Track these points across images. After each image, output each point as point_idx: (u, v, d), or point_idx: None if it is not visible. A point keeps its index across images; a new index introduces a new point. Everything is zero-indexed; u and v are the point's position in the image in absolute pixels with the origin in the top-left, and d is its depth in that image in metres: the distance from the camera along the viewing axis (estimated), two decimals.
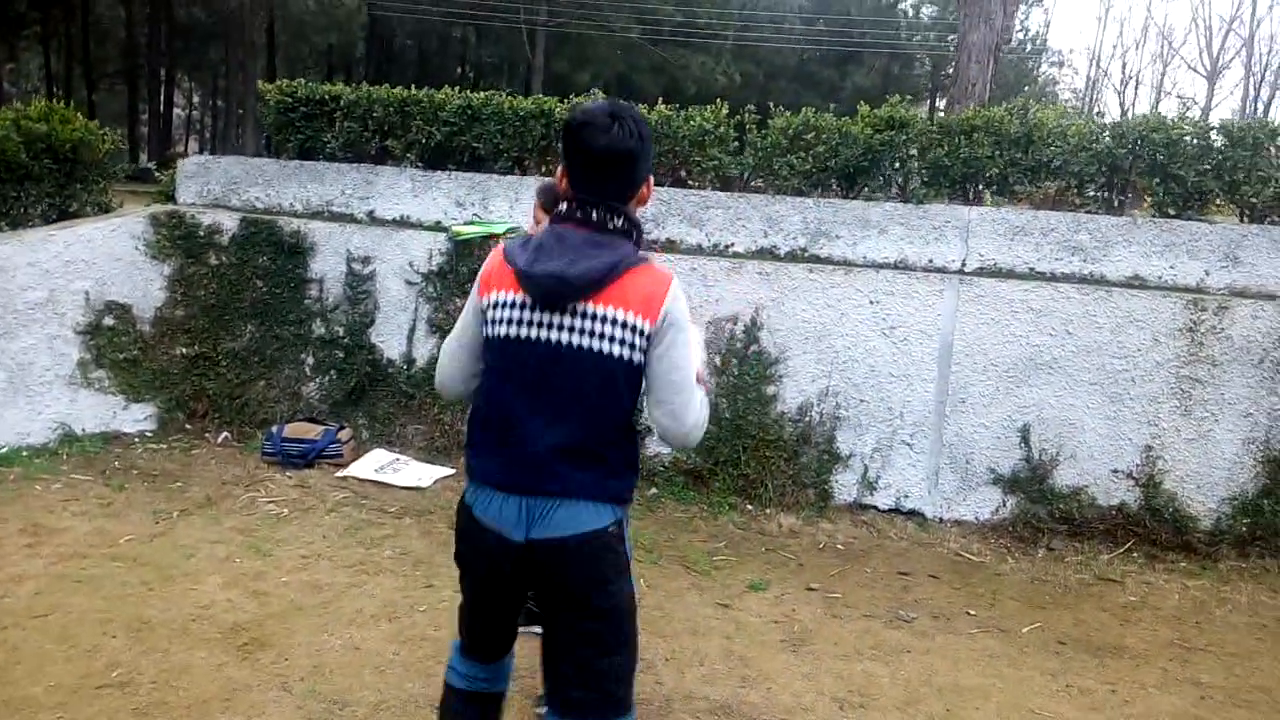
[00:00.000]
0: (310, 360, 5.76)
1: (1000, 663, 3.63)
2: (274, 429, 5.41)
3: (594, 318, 1.93)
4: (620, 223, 1.99)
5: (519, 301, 1.98)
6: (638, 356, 1.95)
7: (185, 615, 3.52)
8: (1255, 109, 32.16)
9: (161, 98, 39.03)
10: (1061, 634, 3.91)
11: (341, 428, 5.49)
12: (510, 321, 1.99)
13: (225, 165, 6.19)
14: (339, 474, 5.19)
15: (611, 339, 1.93)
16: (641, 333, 1.93)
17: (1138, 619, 4.11)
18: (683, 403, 1.97)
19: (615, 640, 2.02)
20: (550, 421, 1.96)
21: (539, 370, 1.96)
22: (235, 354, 5.77)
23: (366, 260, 5.67)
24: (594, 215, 1.98)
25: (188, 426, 5.70)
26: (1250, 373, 4.65)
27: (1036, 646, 3.79)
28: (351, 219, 5.91)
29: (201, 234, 5.78)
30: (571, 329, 1.94)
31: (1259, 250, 4.86)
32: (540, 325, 1.95)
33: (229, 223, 5.80)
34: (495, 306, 2.02)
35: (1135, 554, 4.68)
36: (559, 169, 2.07)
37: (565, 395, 1.95)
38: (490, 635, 2.20)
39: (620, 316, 1.93)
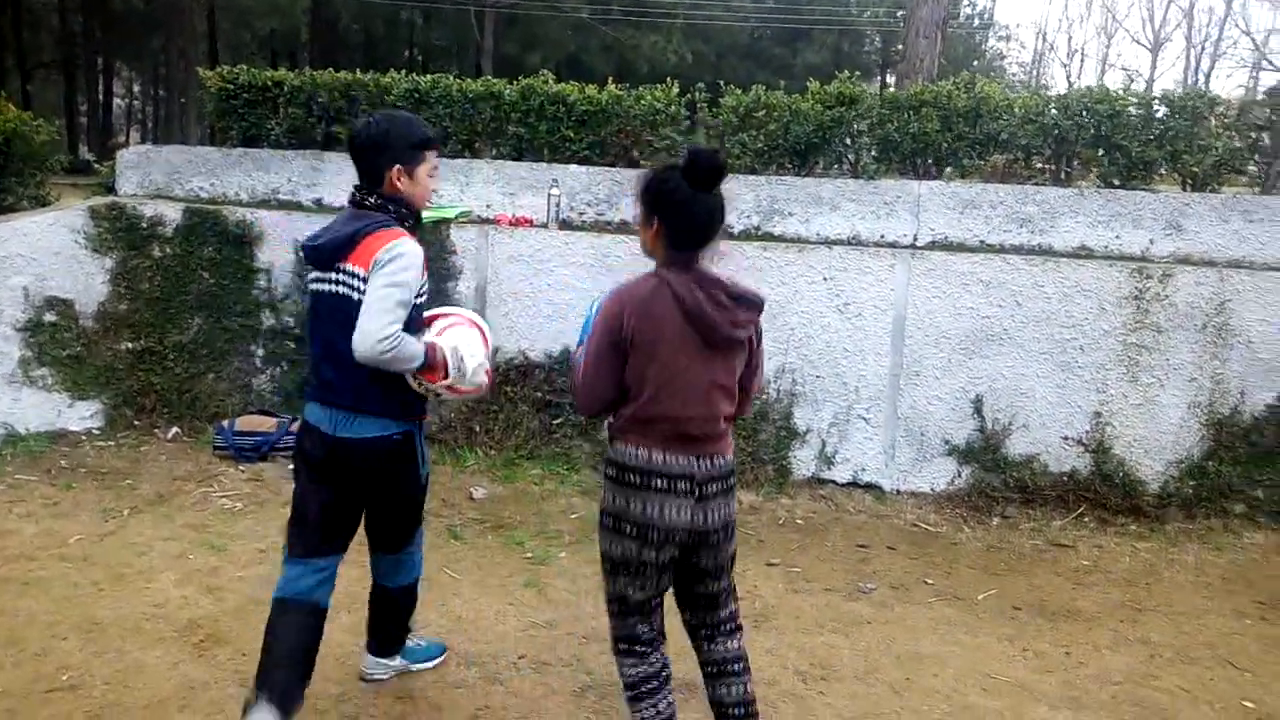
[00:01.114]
0: (260, 352, 5.66)
1: (958, 630, 3.69)
2: (225, 423, 5.32)
3: (343, 272, 2.57)
4: (374, 200, 2.63)
5: (311, 268, 2.68)
6: (357, 296, 2.53)
7: (138, 614, 3.46)
8: (1196, 80, 32.80)
9: (100, 88, 38.03)
10: (1017, 599, 3.98)
11: (295, 419, 5.41)
12: (309, 283, 2.69)
13: (167, 155, 6.05)
14: (294, 466, 5.11)
15: (350, 286, 2.56)
16: (362, 278, 2.53)
17: (1090, 582, 4.20)
18: (364, 323, 2.47)
19: (417, 503, 2.88)
20: (333, 354, 2.60)
21: (320, 316, 2.64)
22: (183, 347, 5.65)
23: None
24: (354, 196, 2.67)
25: (136, 423, 5.58)
26: (1194, 338, 4.75)
27: (993, 613, 3.86)
28: (299, 207, 5.81)
29: (144, 226, 5.64)
30: (332, 281, 2.60)
31: (1201, 218, 4.96)
32: (318, 282, 2.65)
33: (172, 214, 5.66)
34: (308, 274, 2.73)
35: (1086, 519, 4.78)
36: None
37: (335, 333, 2.57)
38: (316, 526, 2.77)
39: (355, 270, 2.55)
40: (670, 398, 2.34)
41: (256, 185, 5.90)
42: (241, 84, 6.24)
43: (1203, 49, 35.90)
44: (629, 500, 2.38)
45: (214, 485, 4.82)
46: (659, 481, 2.35)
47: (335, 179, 5.78)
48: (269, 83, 6.23)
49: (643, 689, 2.50)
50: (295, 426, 5.30)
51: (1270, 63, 33.76)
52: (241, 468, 5.06)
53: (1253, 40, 37.40)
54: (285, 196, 5.87)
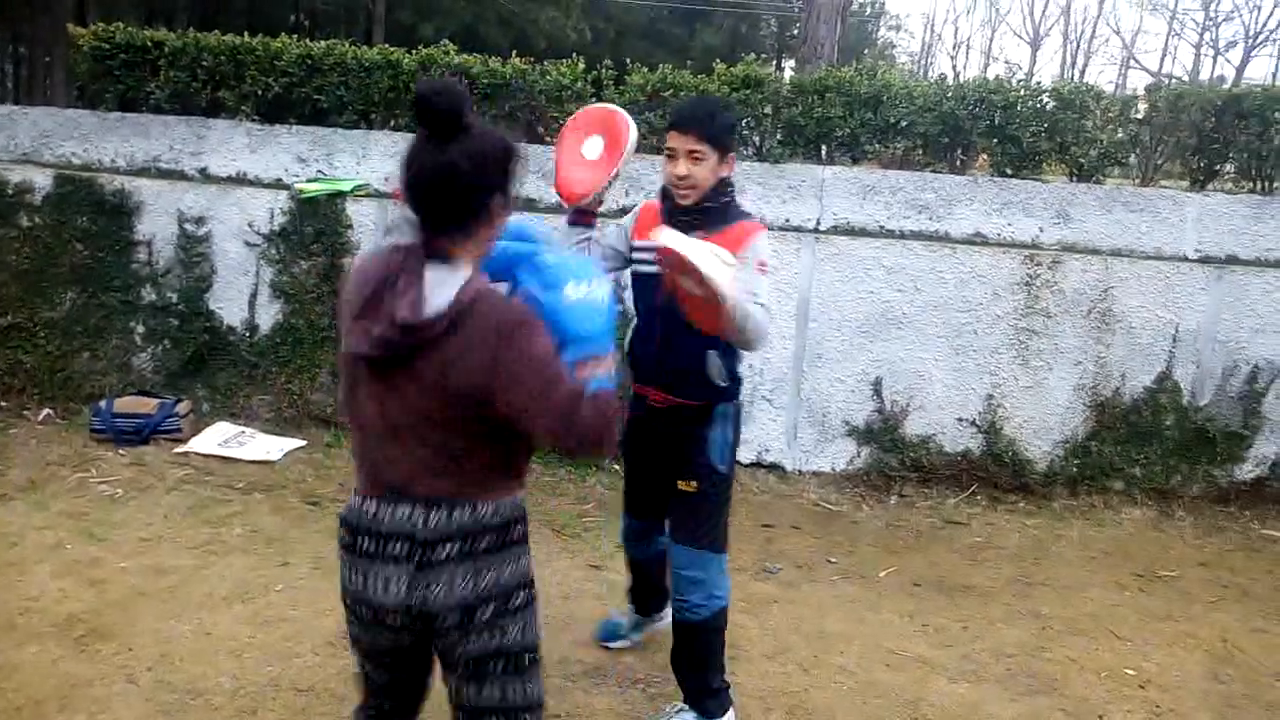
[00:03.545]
0: (141, 329, 5.35)
1: (861, 607, 3.77)
2: (102, 404, 5.02)
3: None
4: None
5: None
6: None
7: (11, 609, 3.23)
8: (1072, 76, 34.31)
9: None
10: (916, 576, 4.10)
11: (179, 400, 5.14)
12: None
13: (34, 117, 5.63)
14: (179, 450, 4.87)
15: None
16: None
17: (983, 558, 4.35)
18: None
19: None
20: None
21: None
22: (54, 324, 5.30)
23: (201, 220, 5.29)
24: None
25: (3, 404, 5.22)
26: (1080, 323, 4.96)
27: (893, 589, 3.96)
28: (182, 176, 5.50)
29: (10, 193, 5.26)
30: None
31: (1086, 208, 5.16)
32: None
33: (41, 180, 5.29)
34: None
35: (979, 497, 4.95)
36: (731, 158, 2.69)
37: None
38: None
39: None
40: (360, 427, 1.75)
41: (135, 152, 5.55)
42: (118, 43, 5.83)
43: (1078, 46, 37.58)
44: (340, 564, 1.80)
45: (92, 470, 4.55)
46: (366, 542, 1.74)
47: (222, 147, 5.49)
48: (149, 43, 5.85)
49: None
50: (180, 407, 5.06)
51: (1137, 61, 35.61)
52: (121, 451, 4.78)
53: (1122, 39, 39.38)
54: (167, 165, 5.54)
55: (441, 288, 1.65)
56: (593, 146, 2.56)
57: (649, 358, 2.71)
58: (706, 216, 2.59)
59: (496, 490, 1.76)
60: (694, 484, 2.69)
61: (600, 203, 2.64)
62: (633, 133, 2.56)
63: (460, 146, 1.67)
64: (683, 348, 2.63)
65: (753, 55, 5.86)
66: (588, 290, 1.73)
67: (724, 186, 2.63)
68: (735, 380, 2.73)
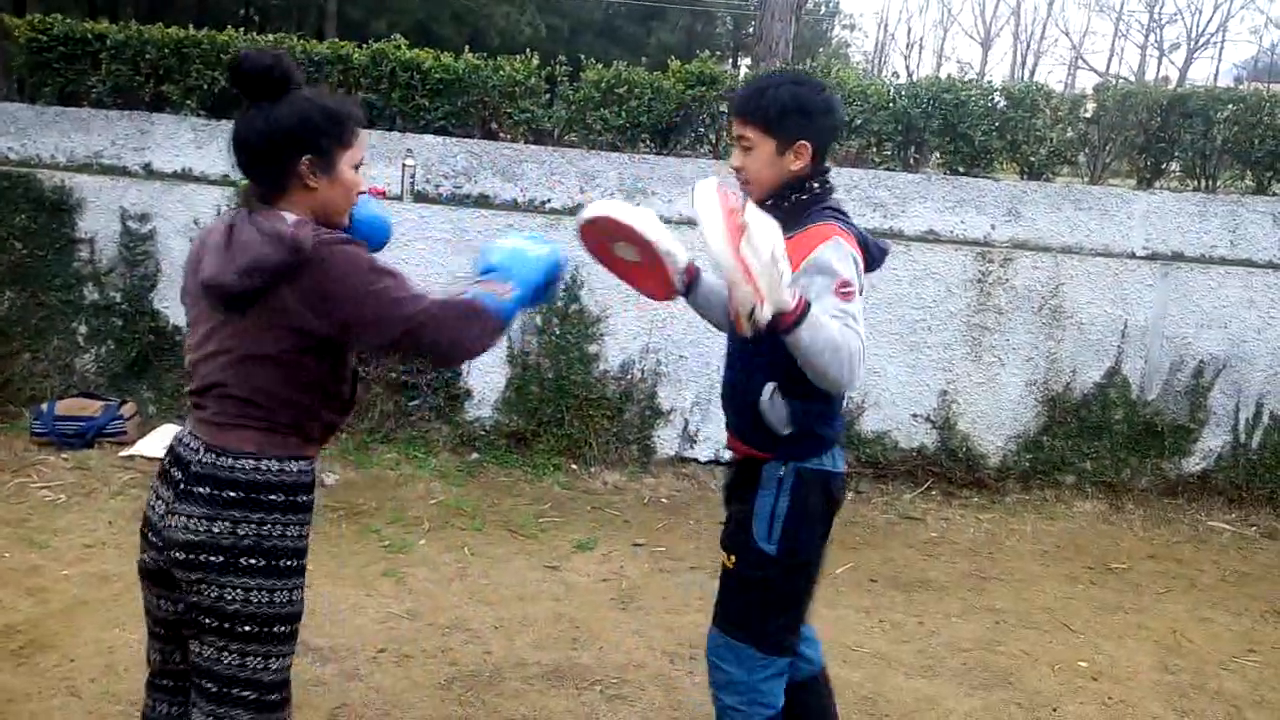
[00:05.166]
0: (83, 329, 5.21)
1: (818, 604, 3.72)
2: (44, 406, 4.86)
3: None
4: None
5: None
6: None
7: None
8: (1022, 75, 34.86)
9: None
10: (872, 572, 4.11)
11: (124, 402, 5.01)
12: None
13: None
14: (124, 453, 4.74)
15: None
16: None
17: (939, 553, 4.38)
18: None
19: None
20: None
21: None
22: None
23: (145, 218, 5.15)
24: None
25: None
26: (1031, 319, 5.02)
27: (851, 586, 3.97)
28: (125, 172, 5.36)
29: None
30: None
31: (1036, 205, 5.23)
32: None
33: None
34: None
35: (934, 492, 4.99)
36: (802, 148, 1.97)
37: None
38: None
39: None
40: (188, 348, 1.82)
41: (76, 147, 5.41)
42: (56, 36, 5.69)
43: (1028, 46, 38.19)
44: None
45: (32, 475, 4.41)
46: (167, 459, 1.81)
47: (166, 142, 5.36)
48: (89, 36, 5.71)
49: None
50: (125, 410, 4.92)
51: (1085, 62, 36.29)
52: (64, 455, 4.64)
53: (1070, 40, 40.10)
54: (109, 160, 5.40)
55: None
56: (626, 250, 2.19)
57: (723, 396, 2.22)
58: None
59: (245, 439, 1.73)
60: (732, 559, 2.17)
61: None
62: (635, 220, 2.12)
63: (264, 110, 1.71)
64: (745, 379, 2.08)
65: (708, 53, 5.86)
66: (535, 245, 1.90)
67: (796, 183, 2.03)
68: (808, 432, 2.05)
